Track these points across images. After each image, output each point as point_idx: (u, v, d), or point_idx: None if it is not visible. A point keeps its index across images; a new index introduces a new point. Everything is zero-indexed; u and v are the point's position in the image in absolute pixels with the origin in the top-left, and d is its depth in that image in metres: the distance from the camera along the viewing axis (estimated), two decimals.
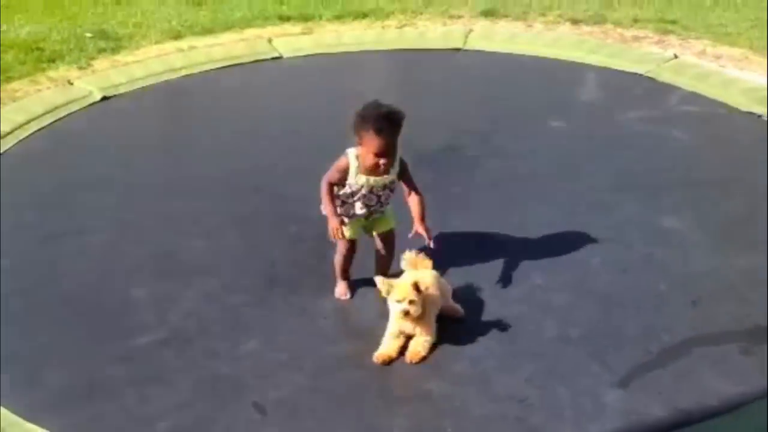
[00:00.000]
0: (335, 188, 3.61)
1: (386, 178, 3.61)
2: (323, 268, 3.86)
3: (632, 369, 3.39)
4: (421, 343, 3.44)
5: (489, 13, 6.96)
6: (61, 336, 3.65)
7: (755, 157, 4.88)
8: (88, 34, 6.62)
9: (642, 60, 6.12)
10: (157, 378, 3.41)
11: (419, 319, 3.41)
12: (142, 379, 3.40)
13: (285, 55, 6.33)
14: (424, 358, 3.43)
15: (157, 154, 5.19)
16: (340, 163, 3.58)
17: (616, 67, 6.04)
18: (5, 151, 5.03)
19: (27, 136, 5.23)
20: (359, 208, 3.64)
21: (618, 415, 3.19)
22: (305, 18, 6.94)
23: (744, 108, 5.42)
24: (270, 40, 6.53)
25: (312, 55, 6.35)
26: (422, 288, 3.39)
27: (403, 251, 3.69)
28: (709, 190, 4.60)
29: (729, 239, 4.18)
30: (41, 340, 3.62)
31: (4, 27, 6.69)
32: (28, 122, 5.37)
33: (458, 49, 6.40)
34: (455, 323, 3.62)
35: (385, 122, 3.48)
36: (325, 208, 3.57)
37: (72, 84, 5.87)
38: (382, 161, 3.51)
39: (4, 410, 3.23)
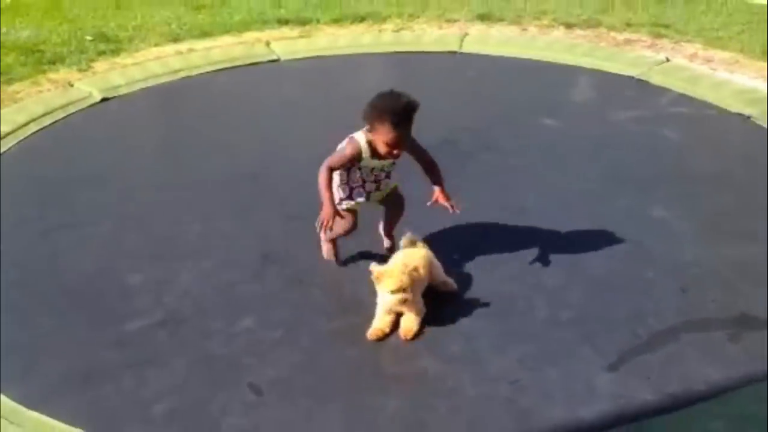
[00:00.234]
0: (344, 173, 3.65)
1: (390, 162, 3.69)
2: (317, 241, 3.91)
3: (621, 353, 3.44)
4: (411, 320, 3.51)
5: (484, 17, 7.07)
6: (59, 324, 3.70)
7: (743, 155, 4.98)
8: (89, 37, 6.72)
9: (634, 63, 6.21)
10: (154, 361, 3.46)
11: (409, 303, 3.48)
12: (138, 362, 3.45)
13: (282, 58, 6.43)
14: (417, 334, 3.49)
15: (155, 153, 5.28)
16: (352, 150, 3.58)
17: (608, 70, 6.13)
18: (6, 151, 5.11)
19: (27, 136, 5.30)
20: (361, 192, 3.71)
21: (607, 398, 3.23)
22: (303, 21, 7.05)
23: (733, 109, 5.50)
24: (268, 43, 6.63)
25: (309, 57, 6.45)
26: (414, 274, 3.46)
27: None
28: (698, 184, 4.68)
29: (717, 230, 4.25)
30: (39, 328, 3.67)
31: (4, 30, 6.79)
32: (28, 122, 5.44)
33: (454, 52, 6.50)
34: (450, 300, 3.70)
35: (403, 115, 3.49)
36: (323, 194, 3.57)
37: (72, 86, 5.95)
38: (395, 151, 3.55)
39: (3, 398, 3.28)
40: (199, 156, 5.08)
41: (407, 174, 3.93)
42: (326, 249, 3.94)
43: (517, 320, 3.64)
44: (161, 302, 3.78)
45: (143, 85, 6.00)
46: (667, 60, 6.29)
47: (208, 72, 6.20)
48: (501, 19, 7.06)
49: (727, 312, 3.68)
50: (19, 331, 3.63)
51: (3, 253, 4.11)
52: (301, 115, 5.59)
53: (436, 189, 3.71)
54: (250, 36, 6.84)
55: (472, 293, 3.78)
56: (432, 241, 3.78)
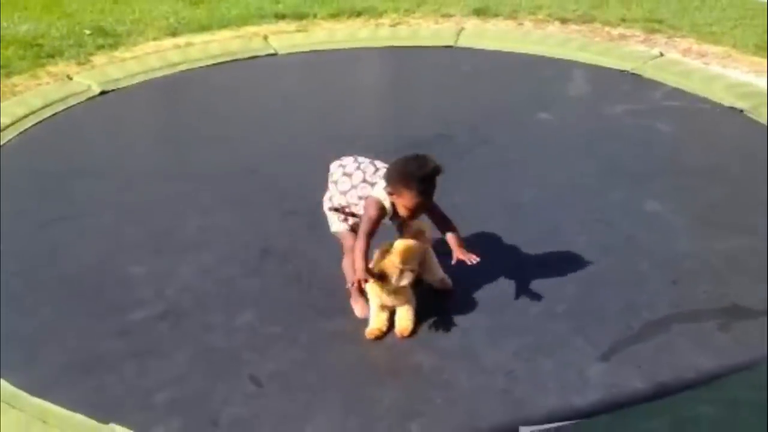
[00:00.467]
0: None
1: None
2: (316, 237, 3.95)
3: (614, 343, 3.50)
4: (405, 316, 3.54)
5: (480, 12, 7.11)
6: (61, 314, 3.75)
7: (736, 149, 5.05)
8: (87, 31, 6.75)
9: (628, 58, 6.27)
10: (155, 351, 3.51)
11: (396, 292, 3.51)
12: (140, 352, 3.51)
13: (280, 52, 6.47)
14: (413, 331, 3.55)
15: (154, 145, 5.34)
16: (378, 210, 3.43)
17: (603, 65, 6.18)
18: (6, 143, 5.14)
19: (27, 129, 5.34)
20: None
21: (600, 387, 3.30)
22: (300, 16, 7.09)
23: (726, 103, 5.57)
24: (266, 37, 6.67)
25: (307, 52, 6.49)
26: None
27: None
28: (691, 177, 4.74)
29: (709, 223, 4.31)
30: (41, 318, 3.73)
31: (4, 24, 6.82)
32: (27, 115, 5.47)
33: (450, 47, 6.55)
34: (445, 296, 3.76)
35: (429, 183, 3.37)
36: (359, 263, 3.36)
37: (71, 79, 5.99)
38: (417, 215, 3.49)
39: (5, 384, 3.33)
40: (198, 149, 5.13)
41: None
42: (360, 307, 3.69)
43: (511, 314, 3.69)
44: (162, 295, 3.83)
45: (142, 78, 6.04)
46: (661, 55, 6.34)
47: (206, 66, 6.24)
48: (497, 14, 7.11)
49: (718, 303, 3.75)
50: (20, 321, 3.68)
51: (3, 244, 4.16)
52: (299, 109, 5.64)
53: (456, 251, 3.53)
54: (247, 30, 6.88)
55: (467, 287, 3.83)
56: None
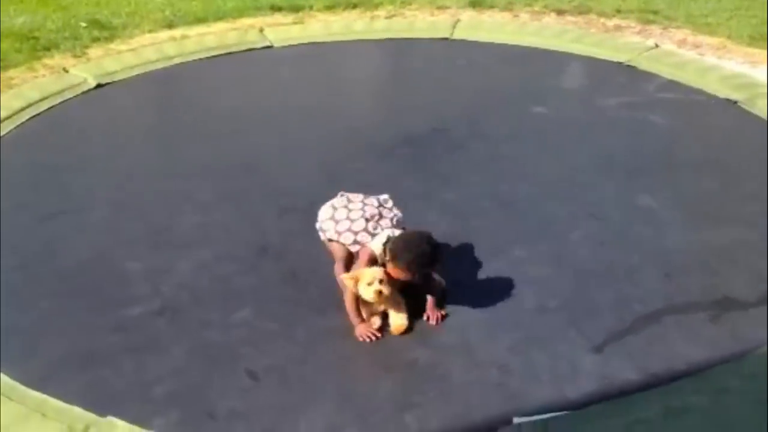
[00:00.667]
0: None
1: None
2: (312, 235, 3.96)
3: (607, 336, 3.54)
4: (399, 316, 3.57)
5: (476, 4, 7.14)
6: (59, 308, 3.77)
7: (730, 141, 5.08)
8: (83, 24, 6.76)
9: (624, 49, 6.29)
10: (152, 346, 3.54)
11: (387, 301, 3.54)
12: (137, 347, 3.53)
13: (276, 44, 6.49)
14: (408, 329, 3.57)
15: (150, 138, 5.35)
16: (369, 265, 3.54)
17: (598, 56, 6.21)
18: (3, 136, 5.16)
19: (24, 122, 5.36)
20: None
21: (593, 379, 3.34)
22: (296, 8, 7.11)
23: (721, 95, 5.59)
24: (261, 30, 6.68)
25: (302, 44, 6.51)
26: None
27: None
28: (685, 170, 4.78)
29: (701, 216, 4.35)
30: (40, 312, 3.75)
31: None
32: (24, 108, 5.49)
33: (446, 39, 6.57)
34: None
35: (427, 265, 3.47)
36: (354, 319, 3.57)
37: (67, 71, 6.01)
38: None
39: (4, 377, 3.36)
40: (195, 142, 5.15)
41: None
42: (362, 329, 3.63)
43: (505, 308, 3.72)
44: (159, 290, 3.85)
45: (138, 71, 6.06)
46: (656, 46, 6.37)
47: (202, 58, 6.26)
48: (492, 6, 7.12)
49: (709, 295, 3.79)
50: (18, 315, 3.71)
51: (1, 238, 4.18)
52: (295, 103, 5.66)
53: (429, 303, 3.64)
54: (243, 22, 6.90)
55: (462, 283, 3.86)
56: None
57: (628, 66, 6.04)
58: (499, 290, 3.81)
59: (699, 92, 5.67)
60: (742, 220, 4.28)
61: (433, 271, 3.61)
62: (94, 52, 6.37)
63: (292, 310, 3.72)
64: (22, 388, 3.32)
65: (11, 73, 5.99)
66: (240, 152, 5.01)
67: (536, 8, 7.09)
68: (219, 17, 6.96)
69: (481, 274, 3.92)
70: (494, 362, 3.43)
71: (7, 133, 5.20)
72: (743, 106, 5.44)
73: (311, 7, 7.12)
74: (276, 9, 7.11)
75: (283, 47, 6.46)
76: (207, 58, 6.27)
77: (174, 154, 5.07)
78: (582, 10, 7.02)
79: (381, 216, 3.68)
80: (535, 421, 3.15)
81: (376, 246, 3.55)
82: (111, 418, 3.18)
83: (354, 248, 3.64)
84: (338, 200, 3.80)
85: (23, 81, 5.89)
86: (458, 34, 6.60)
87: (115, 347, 3.54)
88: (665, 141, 5.11)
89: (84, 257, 4.10)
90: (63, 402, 3.25)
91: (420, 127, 5.21)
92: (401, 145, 5.03)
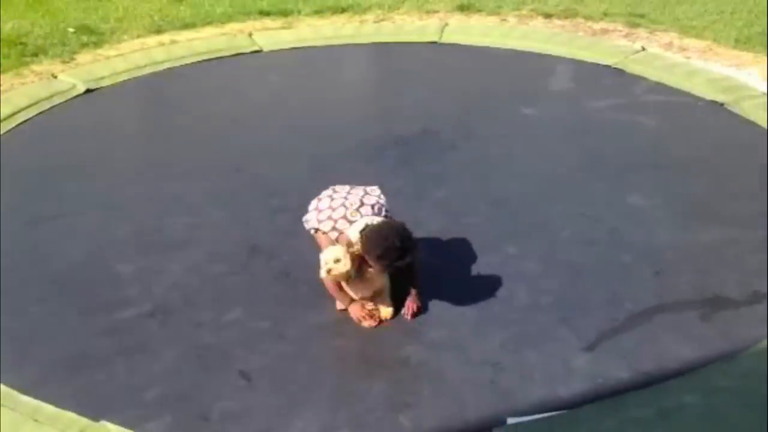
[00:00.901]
0: None
1: None
2: (303, 234, 3.92)
3: (599, 334, 3.56)
4: (384, 304, 3.63)
5: (464, 8, 7.15)
6: (50, 312, 3.77)
7: (717, 142, 5.12)
8: (71, 29, 6.74)
9: (611, 52, 6.33)
10: (144, 349, 3.54)
11: (365, 288, 3.56)
12: (129, 350, 3.53)
13: (265, 49, 6.49)
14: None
15: (140, 143, 5.36)
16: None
17: (585, 59, 6.24)
18: None
19: (13, 127, 5.34)
20: None
21: (585, 377, 3.36)
22: (284, 13, 7.11)
23: (708, 97, 5.63)
24: (250, 34, 6.68)
25: (292, 48, 6.51)
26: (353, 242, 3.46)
27: None
28: (673, 170, 4.81)
29: (690, 215, 4.38)
30: (30, 316, 3.74)
31: None
32: (13, 114, 5.47)
33: (434, 43, 6.59)
34: (431, 288, 3.77)
35: (394, 256, 3.39)
36: (337, 297, 3.62)
37: (56, 77, 5.99)
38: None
39: None
40: (185, 147, 5.15)
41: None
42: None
43: (497, 306, 3.74)
44: (150, 292, 3.85)
45: (127, 76, 6.05)
46: (643, 49, 6.40)
47: (191, 63, 6.25)
48: (480, 10, 7.14)
49: (700, 293, 3.81)
50: (9, 320, 3.70)
51: None
52: (285, 106, 5.67)
53: (411, 294, 3.68)
54: (232, 27, 6.89)
55: (453, 281, 3.88)
56: (414, 230, 3.84)
57: (616, 69, 6.07)
58: (491, 287, 3.84)
59: (686, 94, 5.71)
60: (731, 219, 4.32)
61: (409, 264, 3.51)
62: (83, 57, 6.34)
63: (284, 309, 3.73)
64: (15, 393, 3.31)
65: None
66: (230, 154, 5.01)
67: (523, 12, 7.12)
68: (207, 22, 6.95)
69: (473, 271, 3.94)
70: (487, 360, 3.45)
71: None
72: (729, 108, 5.49)
73: (299, 12, 7.12)
74: (264, 14, 7.10)
75: (273, 51, 6.46)
76: (196, 62, 6.26)
77: (164, 157, 5.07)
78: (569, 14, 7.06)
79: (362, 204, 3.64)
80: (528, 422, 3.16)
81: (353, 234, 3.51)
82: (104, 423, 3.17)
83: (333, 235, 3.61)
84: (325, 192, 3.77)
85: (11, 87, 5.86)
86: (447, 38, 6.63)
87: (107, 350, 3.54)
88: (653, 142, 5.14)
89: (75, 260, 4.09)
90: (56, 407, 3.24)
91: (410, 128, 5.23)
92: (392, 146, 5.05)
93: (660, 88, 5.80)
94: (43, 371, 3.44)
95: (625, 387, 3.31)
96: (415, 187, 4.59)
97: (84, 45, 6.51)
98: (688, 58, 6.31)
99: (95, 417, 3.19)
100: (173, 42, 6.60)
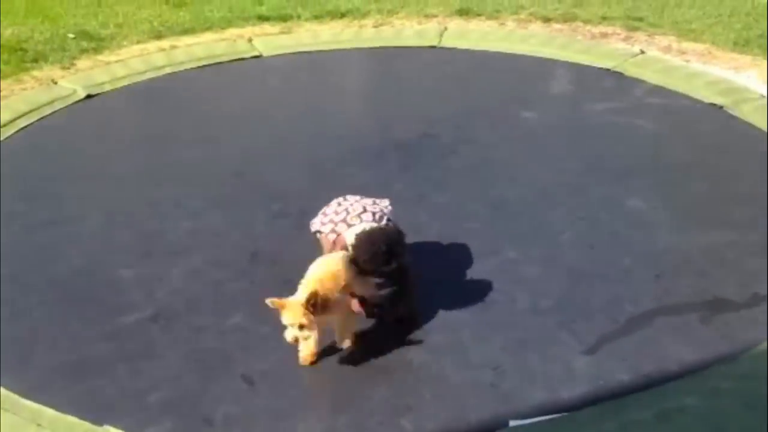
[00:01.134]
0: None
1: None
2: (304, 239, 3.94)
3: (599, 337, 3.57)
4: (310, 346, 3.39)
5: (463, 12, 7.18)
6: (52, 317, 3.77)
7: (716, 145, 5.13)
8: (71, 35, 6.75)
9: (610, 56, 6.35)
10: (147, 354, 3.54)
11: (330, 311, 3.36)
12: (132, 355, 3.54)
13: (265, 54, 6.51)
14: (314, 360, 3.41)
15: (141, 148, 5.36)
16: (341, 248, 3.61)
17: (584, 63, 6.26)
18: None
19: (14, 133, 5.35)
20: None
21: (586, 380, 3.36)
22: (284, 18, 7.13)
23: (707, 100, 5.65)
24: (250, 40, 6.70)
25: (291, 53, 6.53)
26: (318, 300, 3.24)
27: None
28: (673, 173, 4.83)
29: (690, 218, 4.39)
30: (33, 321, 3.75)
31: None
32: (14, 120, 5.49)
33: (433, 47, 6.61)
34: (432, 293, 3.77)
35: (379, 262, 3.42)
36: None
37: (56, 83, 6.01)
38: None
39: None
40: (186, 152, 5.15)
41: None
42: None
43: (498, 310, 3.75)
44: (152, 298, 3.86)
45: (127, 81, 6.07)
46: (642, 52, 6.43)
47: (191, 68, 6.26)
48: (479, 14, 7.17)
49: (700, 296, 3.82)
50: (12, 325, 3.71)
51: None
52: (285, 111, 5.69)
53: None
54: (231, 33, 6.91)
55: (454, 285, 3.89)
56: (414, 235, 3.86)
57: (615, 72, 6.09)
58: (491, 291, 3.84)
59: (685, 97, 5.72)
60: (731, 222, 4.33)
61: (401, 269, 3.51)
62: (83, 63, 6.37)
63: None
64: (17, 398, 3.32)
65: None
66: (231, 159, 5.03)
67: (522, 16, 7.15)
68: (207, 27, 6.98)
69: (473, 275, 3.95)
70: (488, 363, 3.46)
71: None
72: (729, 111, 5.50)
73: (299, 17, 7.15)
74: (264, 19, 7.13)
75: (273, 56, 6.48)
76: (196, 68, 6.28)
77: (165, 162, 5.07)
78: (567, 18, 7.08)
79: (365, 211, 3.69)
80: (530, 425, 3.17)
81: (350, 236, 3.55)
82: (108, 427, 3.18)
83: (332, 237, 3.65)
84: (336, 199, 3.83)
85: (12, 93, 5.88)
86: (446, 42, 6.65)
87: (109, 355, 3.55)
88: (653, 145, 5.16)
89: (77, 266, 4.10)
90: (58, 411, 3.24)
91: (410, 133, 5.25)
92: (392, 150, 5.07)
93: (659, 91, 5.82)
94: (45, 376, 3.45)
95: (626, 389, 3.32)
96: (415, 191, 4.60)
97: (84, 51, 6.53)
98: (687, 61, 6.33)
99: (98, 421, 3.19)
100: (173, 47, 6.61)
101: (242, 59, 6.42)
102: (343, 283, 3.40)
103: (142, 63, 6.32)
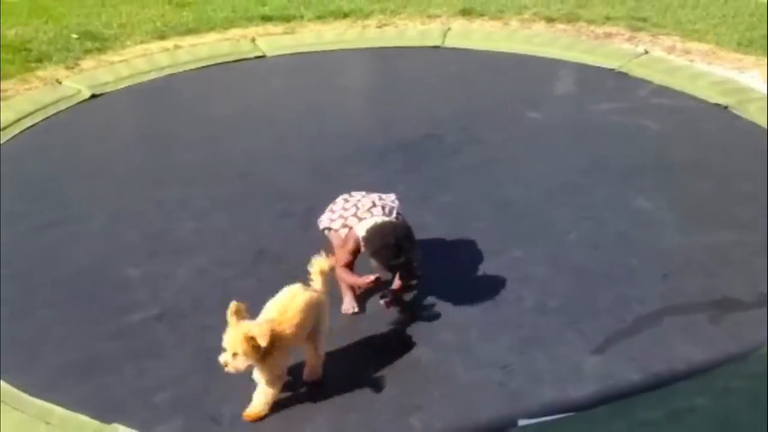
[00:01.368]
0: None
1: None
2: (310, 238, 3.92)
3: (607, 337, 3.57)
4: (260, 398, 3.22)
5: (466, 12, 7.18)
6: (58, 316, 3.77)
7: (721, 144, 5.13)
8: (75, 35, 6.75)
9: (614, 56, 6.35)
10: (154, 352, 3.54)
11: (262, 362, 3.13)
12: (139, 353, 3.53)
13: (269, 54, 6.51)
14: (261, 416, 3.22)
15: (145, 148, 5.36)
16: (354, 246, 3.61)
17: (588, 63, 6.27)
18: None
19: (19, 133, 5.35)
20: None
21: (595, 379, 3.36)
22: (287, 18, 7.14)
23: (711, 100, 5.65)
24: (253, 40, 6.70)
25: (295, 53, 6.53)
26: (258, 341, 3.00)
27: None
28: (678, 173, 4.83)
29: (697, 218, 4.39)
30: (40, 320, 3.74)
31: None
32: (19, 119, 5.48)
33: (437, 47, 6.61)
34: (439, 292, 3.78)
35: (389, 254, 3.46)
36: (352, 282, 3.67)
37: (60, 83, 6.00)
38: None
39: (6, 385, 3.34)
40: (190, 152, 5.15)
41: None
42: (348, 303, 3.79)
43: (506, 309, 3.75)
44: (158, 297, 3.86)
45: (131, 81, 6.07)
46: (646, 52, 6.43)
47: (195, 68, 6.26)
48: (483, 14, 7.18)
49: (708, 295, 3.82)
50: (19, 324, 3.70)
51: (0, 248, 4.16)
52: (289, 111, 5.68)
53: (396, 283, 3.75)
54: (235, 33, 6.92)
55: (461, 285, 3.89)
56: (420, 234, 3.84)
57: (620, 72, 6.10)
58: (498, 291, 3.85)
59: (689, 97, 5.73)
60: (738, 221, 4.33)
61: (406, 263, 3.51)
62: (87, 63, 6.37)
63: None
64: (25, 396, 3.31)
65: (4, 85, 5.97)
66: (235, 159, 5.03)
67: (526, 16, 7.15)
68: (210, 28, 6.98)
69: (480, 275, 3.95)
70: (496, 363, 3.46)
71: (2, 145, 5.17)
72: (733, 111, 5.51)
73: (302, 17, 7.15)
74: (267, 19, 7.13)
75: (276, 56, 6.48)
76: (200, 68, 6.28)
77: (170, 161, 5.07)
78: (571, 18, 7.09)
79: (374, 205, 3.70)
80: (539, 424, 3.16)
81: (361, 230, 3.57)
82: (116, 425, 3.17)
83: (343, 232, 3.66)
84: (341, 196, 3.83)
85: (16, 92, 5.88)
86: (449, 42, 6.65)
87: (116, 354, 3.54)
88: (658, 145, 5.16)
89: (83, 265, 4.09)
90: (67, 410, 3.24)
91: (414, 132, 5.25)
92: (396, 150, 5.07)
93: (663, 91, 5.82)
94: (53, 375, 3.44)
95: (636, 389, 3.32)
96: (420, 191, 4.60)
97: (88, 51, 6.53)
98: (691, 61, 6.34)
99: (106, 420, 3.18)
100: (177, 47, 6.61)
101: (246, 59, 6.43)
102: (297, 321, 3.17)
103: (145, 63, 6.32)
